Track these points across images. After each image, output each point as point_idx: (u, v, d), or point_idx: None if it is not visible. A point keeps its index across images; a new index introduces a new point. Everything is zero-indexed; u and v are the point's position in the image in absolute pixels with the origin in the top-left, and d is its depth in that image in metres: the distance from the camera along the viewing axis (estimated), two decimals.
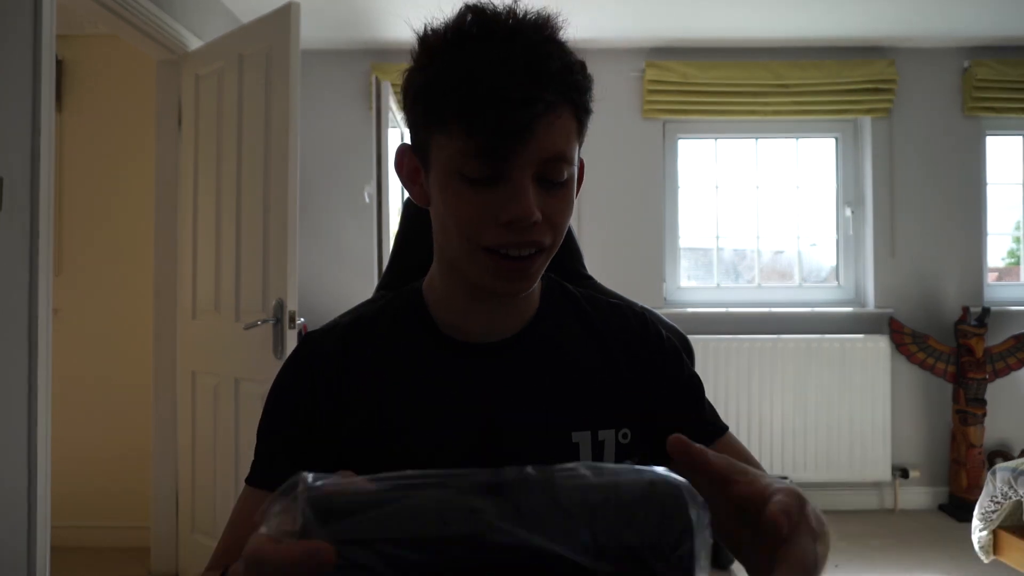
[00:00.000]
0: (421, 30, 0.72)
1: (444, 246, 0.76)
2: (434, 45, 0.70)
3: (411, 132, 0.75)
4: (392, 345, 0.79)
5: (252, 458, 0.78)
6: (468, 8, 0.70)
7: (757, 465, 0.77)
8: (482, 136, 0.66)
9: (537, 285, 0.83)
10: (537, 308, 0.82)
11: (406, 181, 0.78)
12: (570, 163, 0.71)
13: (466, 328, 0.79)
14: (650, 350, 0.83)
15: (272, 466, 0.76)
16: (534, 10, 0.71)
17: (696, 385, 0.85)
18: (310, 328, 2.95)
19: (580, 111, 0.72)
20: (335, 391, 0.76)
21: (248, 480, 0.77)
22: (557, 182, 0.71)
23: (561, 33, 0.72)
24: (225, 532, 0.76)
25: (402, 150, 0.77)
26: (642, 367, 0.82)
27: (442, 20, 0.71)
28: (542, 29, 0.70)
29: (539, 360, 0.79)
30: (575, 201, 0.81)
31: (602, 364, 0.80)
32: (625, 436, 0.78)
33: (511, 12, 0.70)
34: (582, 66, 0.73)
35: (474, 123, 0.66)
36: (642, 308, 0.92)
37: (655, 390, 0.81)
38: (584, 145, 0.76)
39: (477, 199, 0.69)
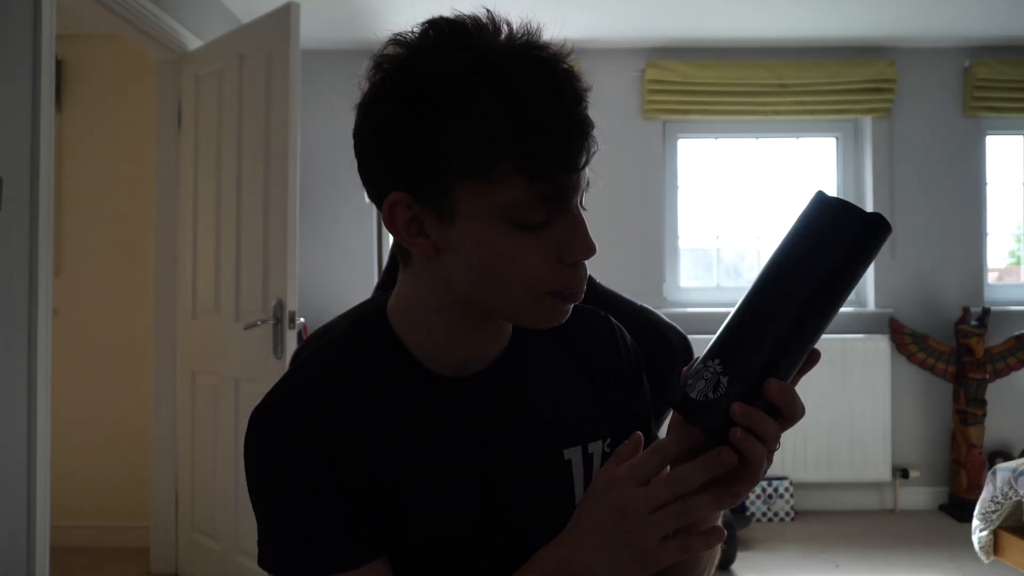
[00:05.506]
0: (401, 78, 0.63)
1: (473, 293, 0.67)
2: (439, 90, 0.61)
3: (410, 184, 0.64)
4: (373, 387, 0.70)
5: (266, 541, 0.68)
6: (433, 26, 0.63)
7: None
8: (546, 181, 0.61)
9: None
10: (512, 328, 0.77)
11: (402, 234, 0.66)
12: None
13: (447, 358, 0.72)
14: (615, 356, 0.82)
15: (323, 544, 0.65)
16: (513, 20, 0.64)
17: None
18: (310, 329, 2.95)
19: None
20: (342, 453, 0.68)
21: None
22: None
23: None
24: None
25: (394, 201, 0.64)
26: (611, 374, 0.81)
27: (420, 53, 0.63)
28: (545, 43, 0.64)
29: (523, 382, 0.75)
30: None
31: (580, 375, 0.79)
32: (610, 446, 0.77)
33: (495, 25, 0.63)
34: None
35: (536, 169, 0.60)
36: (641, 307, 0.92)
37: (622, 395, 0.81)
38: None
39: (537, 244, 0.63)
